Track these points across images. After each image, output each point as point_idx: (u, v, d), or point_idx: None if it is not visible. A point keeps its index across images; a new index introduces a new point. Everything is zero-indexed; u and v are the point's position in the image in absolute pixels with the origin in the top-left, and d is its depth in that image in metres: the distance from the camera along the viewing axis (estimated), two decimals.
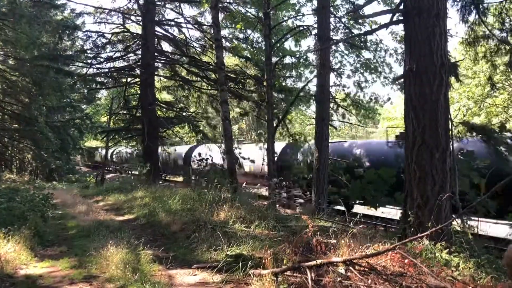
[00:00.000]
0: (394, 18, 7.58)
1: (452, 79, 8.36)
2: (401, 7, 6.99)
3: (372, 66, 15.87)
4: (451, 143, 6.72)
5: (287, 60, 17.20)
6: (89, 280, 5.67)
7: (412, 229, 6.33)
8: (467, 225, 7.32)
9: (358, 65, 15.84)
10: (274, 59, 15.59)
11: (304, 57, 17.21)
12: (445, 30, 6.37)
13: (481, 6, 10.43)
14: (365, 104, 16.96)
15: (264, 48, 14.84)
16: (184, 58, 20.69)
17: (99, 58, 20.34)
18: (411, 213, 6.51)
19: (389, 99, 18.46)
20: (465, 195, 8.05)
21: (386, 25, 7.81)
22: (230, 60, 23.63)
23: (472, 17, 10.65)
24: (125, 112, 22.01)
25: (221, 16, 17.02)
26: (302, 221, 7.71)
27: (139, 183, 15.93)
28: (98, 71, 20.46)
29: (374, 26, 13.46)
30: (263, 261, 5.33)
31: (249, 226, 7.83)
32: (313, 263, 4.81)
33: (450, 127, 6.65)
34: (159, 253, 6.93)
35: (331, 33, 12.85)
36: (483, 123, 19.14)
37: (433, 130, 6.38)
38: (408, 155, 6.73)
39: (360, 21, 13.09)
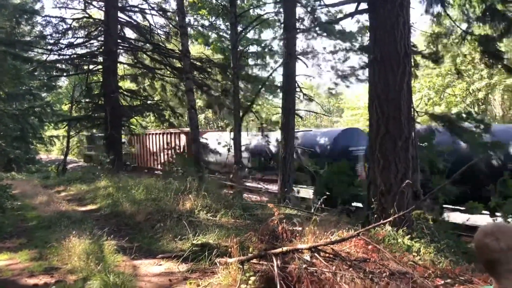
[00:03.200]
0: (360, 8, 7.65)
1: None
2: None
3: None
4: (413, 131, 6.87)
5: (254, 49, 17.15)
6: (50, 272, 5.50)
7: (376, 215, 6.46)
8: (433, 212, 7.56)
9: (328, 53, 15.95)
10: (241, 48, 15.50)
11: (270, 46, 17.18)
12: (409, 20, 6.47)
13: None
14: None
15: (230, 36, 14.70)
16: (148, 45, 20.27)
17: (59, 44, 19.61)
18: (374, 200, 6.63)
19: (347, 86, 18.56)
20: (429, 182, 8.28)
21: (351, 14, 7.87)
22: (195, 48, 23.32)
23: (436, 9, 10.83)
24: (87, 100, 21.39)
25: (186, 3, 16.73)
26: (268, 209, 7.74)
27: (102, 172, 15.59)
28: (58, 58, 19.75)
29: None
30: (229, 249, 5.32)
31: (215, 215, 7.80)
32: (279, 250, 4.83)
33: (412, 116, 6.78)
34: (123, 243, 6.80)
35: (299, 22, 12.85)
36: (443, 112, 19.67)
37: (396, 119, 6.50)
38: (372, 143, 6.84)
39: (326, 10, 13.15)
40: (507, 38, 9.26)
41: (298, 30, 11.87)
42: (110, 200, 10.57)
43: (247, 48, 16.66)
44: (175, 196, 9.11)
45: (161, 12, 19.91)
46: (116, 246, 6.38)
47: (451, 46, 14.03)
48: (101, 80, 20.26)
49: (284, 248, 4.87)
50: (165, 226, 7.40)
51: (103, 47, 19.45)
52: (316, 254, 4.71)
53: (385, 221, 5.31)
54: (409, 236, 5.86)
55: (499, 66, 10.04)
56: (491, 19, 8.38)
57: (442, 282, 4.58)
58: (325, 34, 10.31)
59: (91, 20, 20.06)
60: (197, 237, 6.32)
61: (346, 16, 8.12)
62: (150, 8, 20.02)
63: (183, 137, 20.83)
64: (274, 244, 5.81)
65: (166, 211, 8.14)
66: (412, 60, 9.38)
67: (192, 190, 9.25)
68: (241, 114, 13.91)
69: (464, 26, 11.07)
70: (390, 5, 6.33)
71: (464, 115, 8.51)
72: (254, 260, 4.99)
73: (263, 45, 17.28)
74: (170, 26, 20.02)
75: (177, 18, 15.05)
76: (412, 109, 6.81)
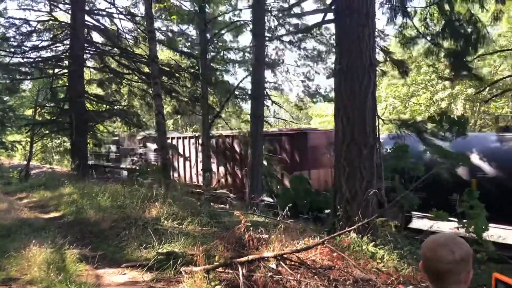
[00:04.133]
0: (327, 18, 7.77)
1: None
2: (333, 6, 7.18)
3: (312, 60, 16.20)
4: (377, 140, 7.00)
5: (226, 55, 17.15)
6: (8, 283, 5.31)
7: (341, 223, 6.54)
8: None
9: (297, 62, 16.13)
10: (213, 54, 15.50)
11: (241, 53, 17.24)
12: (374, 31, 6.63)
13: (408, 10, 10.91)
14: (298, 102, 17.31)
15: (199, 42, 14.66)
16: (115, 49, 19.97)
17: (23, 47, 19.12)
18: (340, 207, 6.72)
19: (325, 94, 18.83)
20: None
21: (318, 24, 8.01)
22: (165, 54, 23.12)
23: (399, 20, 11.08)
24: (52, 104, 20.87)
25: (155, 8, 16.58)
26: (236, 217, 7.72)
27: (66, 179, 15.20)
28: (22, 61, 19.22)
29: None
30: (195, 258, 5.28)
31: (181, 222, 7.72)
32: (244, 259, 4.83)
33: (377, 124, 6.92)
34: (86, 252, 6.63)
35: (271, 31, 12.97)
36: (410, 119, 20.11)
37: (361, 127, 6.63)
38: (338, 151, 6.95)
39: (294, 19, 13.32)
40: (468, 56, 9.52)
41: (266, 38, 11.95)
42: (74, 207, 10.30)
43: (218, 54, 16.64)
44: (141, 204, 8.97)
45: (129, 17, 19.68)
46: (79, 255, 6.22)
47: (418, 56, 14.41)
48: (67, 84, 19.83)
49: (250, 257, 4.88)
50: (130, 234, 7.27)
51: (69, 51, 19.04)
52: (281, 262, 4.73)
53: (349, 228, 5.39)
54: (374, 243, 5.96)
55: (465, 74, 10.35)
56: (450, 35, 8.66)
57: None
58: (293, 43, 10.39)
59: (57, 23, 19.64)
60: (162, 245, 6.24)
61: (313, 26, 8.28)
62: (118, 12, 19.74)
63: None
64: (241, 252, 5.81)
65: (132, 218, 8.00)
66: (379, 69, 9.63)
67: (158, 197, 9.14)
68: (210, 120, 13.87)
69: (429, 38, 11.40)
70: (355, 16, 6.46)
71: (437, 118, 8.52)
72: (220, 269, 4.97)
73: (234, 51, 17.32)
74: (139, 30, 19.80)
75: (145, 23, 14.92)
76: (376, 118, 6.95)
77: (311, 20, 13.86)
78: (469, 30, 10.02)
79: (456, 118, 8.68)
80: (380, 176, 7.28)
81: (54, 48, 20.18)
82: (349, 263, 4.97)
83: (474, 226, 7.36)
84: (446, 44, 10.02)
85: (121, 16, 19.80)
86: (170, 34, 19.34)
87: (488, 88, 17.82)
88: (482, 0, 10.18)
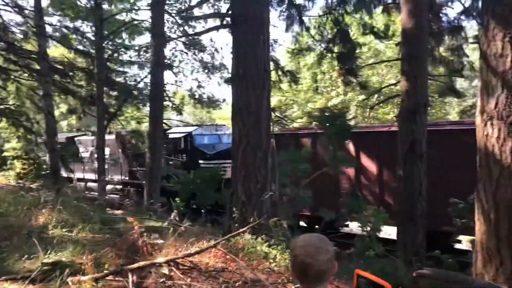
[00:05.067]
0: (225, 22, 7.87)
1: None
2: (230, 12, 7.29)
3: (209, 66, 16.29)
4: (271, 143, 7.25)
5: (123, 56, 16.57)
6: None
7: (237, 225, 6.65)
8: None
9: (196, 64, 16.10)
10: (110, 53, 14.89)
11: (139, 53, 16.77)
12: (268, 38, 6.84)
13: (303, 19, 11.47)
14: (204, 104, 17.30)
15: (95, 40, 14.03)
16: (2, 43, 18.30)
17: None
18: (236, 210, 6.83)
19: (224, 100, 19.06)
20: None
21: (216, 28, 8.07)
22: (59, 51, 21.72)
23: (296, 28, 11.60)
24: None
25: (48, 2, 15.55)
26: (131, 223, 7.48)
27: None
28: None
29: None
30: (84, 267, 5.03)
31: (71, 230, 7.29)
32: (136, 265, 4.71)
33: (271, 129, 7.17)
34: None
35: (170, 32, 12.80)
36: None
37: (257, 131, 6.81)
38: (235, 155, 7.06)
39: (195, 21, 13.29)
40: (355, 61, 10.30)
41: (166, 39, 11.78)
42: None
43: (114, 53, 16.01)
44: (27, 211, 8.32)
45: (17, 9, 18.15)
46: None
47: (312, 64, 15.15)
48: None
49: (141, 263, 4.77)
50: (12, 244, 6.70)
51: None
52: (173, 268, 4.69)
53: (242, 230, 5.50)
54: (267, 243, 6.14)
55: (354, 82, 11.13)
56: (340, 41, 9.25)
57: (294, 287, 4.87)
58: (191, 46, 10.37)
59: None
60: (48, 255, 5.84)
61: (211, 29, 8.31)
62: (4, 3, 18.12)
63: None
64: (133, 259, 5.64)
65: (15, 227, 7.38)
66: (276, 76, 9.98)
67: (47, 203, 8.54)
68: (105, 122, 13.32)
69: (323, 45, 12.08)
70: (251, 23, 6.62)
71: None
72: (110, 277, 4.78)
73: (132, 51, 16.80)
74: (29, 24, 18.34)
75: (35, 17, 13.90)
76: (271, 123, 7.19)
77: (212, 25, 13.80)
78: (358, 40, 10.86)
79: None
80: (275, 178, 7.53)
81: None
82: (240, 264, 5.08)
83: (372, 225, 7.87)
84: (336, 49, 10.72)
85: (7, 8, 18.20)
86: (65, 30, 18.21)
87: (376, 95, 19.26)
88: (371, 12, 11.06)
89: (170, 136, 14.32)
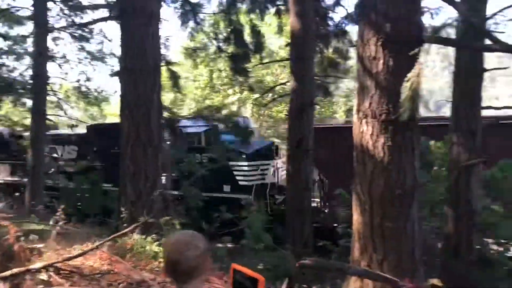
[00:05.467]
0: (113, 14, 7.53)
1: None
2: (118, 3, 6.98)
3: (99, 57, 15.52)
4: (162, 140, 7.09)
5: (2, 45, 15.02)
6: None
7: (125, 225, 6.39)
8: None
9: (83, 56, 15.23)
10: None
11: (21, 44, 15.36)
12: (158, 32, 6.66)
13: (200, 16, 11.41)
14: (92, 97, 16.44)
15: None
16: None
17: None
18: (125, 209, 6.56)
19: (116, 91, 18.25)
20: None
21: (104, 19, 7.69)
22: None
23: (192, 24, 11.49)
24: None
25: None
26: (10, 226, 6.84)
27: None
28: None
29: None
30: None
31: None
32: (8, 273, 4.32)
33: (161, 125, 7.00)
34: None
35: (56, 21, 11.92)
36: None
37: (147, 127, 6.59)
38: (124, 151, 6.77)
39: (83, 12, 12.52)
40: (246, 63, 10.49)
41: (49, 28, 10.95)
42: None
43: None
44: None
45: None
46: None
47: (208, 61, 15.16)
48: None
49: (15, 270, 4.38)
50: None
51: None
52: (52, 273, 4.37)
53: (127, 229, 5.30)
54: (158, 242, 5.98)
55: (241, 80, 11.32)
56: (234, 42, 9.35)
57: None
58: (79, 37, 9.78)
59: None
60: None
61: (98, 20, 7.90)
62: None
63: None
64: (8, 266, 5.16)
65: None
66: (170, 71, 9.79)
67: None
68: None
69: (218, 44, 12.12)
70: (139, 15, 6.39)
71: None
72: None
73: (12, 41, 15.33)
74: None
75: None
76: (162, 119, 7.02)
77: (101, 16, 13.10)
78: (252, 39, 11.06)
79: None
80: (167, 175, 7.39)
81: None
82: (129, 265, 4.90)
83: None
84: (230, 49, 10.80)
85: None
86: None
87: (270, 94, 19.81)
88: (263, 14, 11.34)
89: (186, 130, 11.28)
